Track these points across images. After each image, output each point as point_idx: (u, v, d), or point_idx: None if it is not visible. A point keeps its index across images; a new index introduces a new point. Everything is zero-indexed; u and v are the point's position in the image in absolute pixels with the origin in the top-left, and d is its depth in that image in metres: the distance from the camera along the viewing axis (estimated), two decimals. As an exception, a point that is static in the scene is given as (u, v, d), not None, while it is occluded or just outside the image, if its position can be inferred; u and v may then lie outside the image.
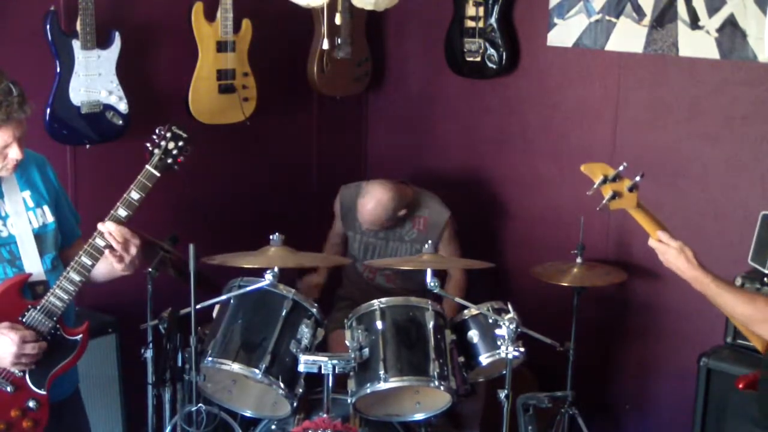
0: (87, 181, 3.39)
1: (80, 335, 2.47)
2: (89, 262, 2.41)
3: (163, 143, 2.52)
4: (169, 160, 2.54)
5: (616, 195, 2.22)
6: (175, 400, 2.92)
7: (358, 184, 3.73)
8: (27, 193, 2.45)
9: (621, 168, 2.21)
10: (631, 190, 2.22)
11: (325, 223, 3.92)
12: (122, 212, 2.46)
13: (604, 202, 2.22)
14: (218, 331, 2.97)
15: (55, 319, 2.38)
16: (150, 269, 2.99)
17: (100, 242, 2.43)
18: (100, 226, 2.44)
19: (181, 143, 2.52)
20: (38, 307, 2.37)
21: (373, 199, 3.54)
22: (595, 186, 2.21)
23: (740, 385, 2.83)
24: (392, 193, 3.55)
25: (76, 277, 2.40)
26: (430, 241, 3.25)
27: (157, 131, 2.53)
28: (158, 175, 2.53)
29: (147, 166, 2.53)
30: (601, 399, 3.90)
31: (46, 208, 2.47)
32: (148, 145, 2.53)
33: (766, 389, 2.36)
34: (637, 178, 2.21)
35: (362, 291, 3.65)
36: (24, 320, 2.36)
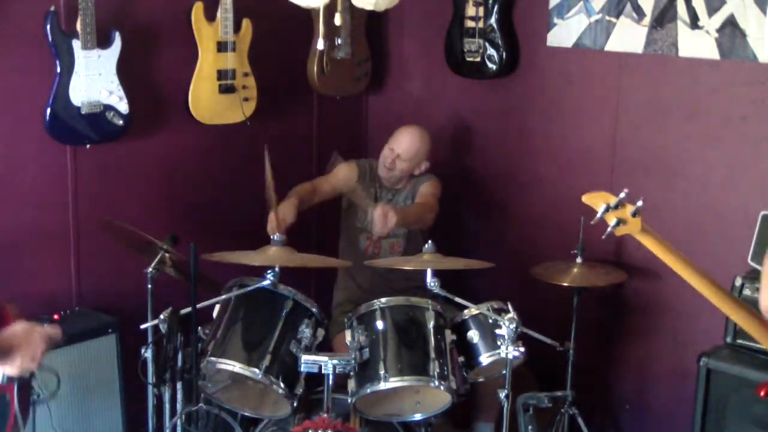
0: (87, 181, 3.39)
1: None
2: None
3: None
4: None
5: (620, 222, 2.25)
6: (175, 400, 2.93)
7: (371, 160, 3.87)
8: None
9: (622, 195, 2.25)
10: (634, 215, 2.25)
11: (325, 222, 3.92)
12: None
13: (608, 230, 2.26)
14: (218, 331, 2.98)
15: None
16: (150, 269, 2.99)
17: None
18: None
19: None
20: None
21: (415, 128, 3.75)
22: (598, 216, 2.26)
23: (762, 393, 2.81)
24: (428, 134, 3.77)
25: None
26: (430, 241, 3.25)
27: None
28: None
29: None
30: (601, 399, 3.90)
31: None
32: None
33: None
34: (639, 203, 2.25)
35: (363, 287, 3.66)
36: None
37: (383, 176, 3.74)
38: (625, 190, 2.25)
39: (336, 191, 3.79)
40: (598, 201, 2.25)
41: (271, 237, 3.12)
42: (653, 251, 2.31)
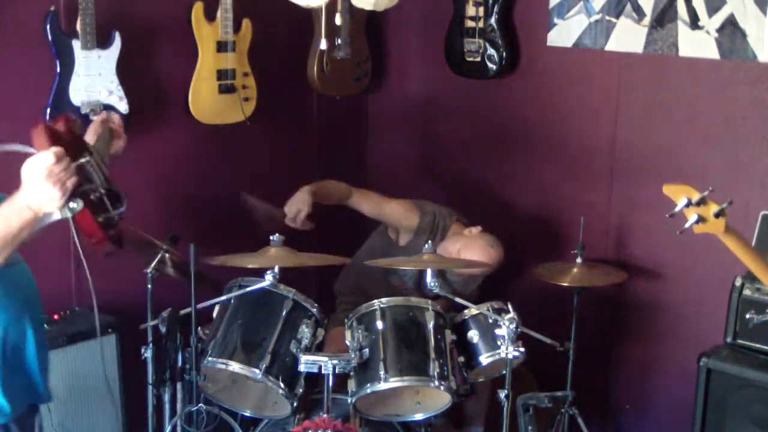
0: (87, 181, 3.38)
1: None
2: None
3: None
4: None
5: (700, 219, 2.14)
6: (175, 400, 2.93)
7: (453, 217, 3.59)
8: None
9: (706, 192, 2.13)
10: (717, 216, 2.13)
11: (325, 221, 3.91)
12: None
13: (687, 225, 2.13)
14: (218, 331, 2.98)
15: None
16: (150, 269, 2.99)
17: None
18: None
19: None
20: None
21: (493, 253, 3.42)
22: (677, 209, 2.14)
23: None
24: (502, 254, 3.46)
25: None
26: (430, 242, 3.24)
27: None
28: None
29: None
30: (601, 399, 3.90)
31: None
32: None
33: None
34: (725, 205, 2.13)
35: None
36: None
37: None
38: (710, 188, 2.14)
39: (377, 216, 3.60)
40: (678, 194, 2.13)
41: (271, 238, 3.12)
42: (735, 253, 2.21)
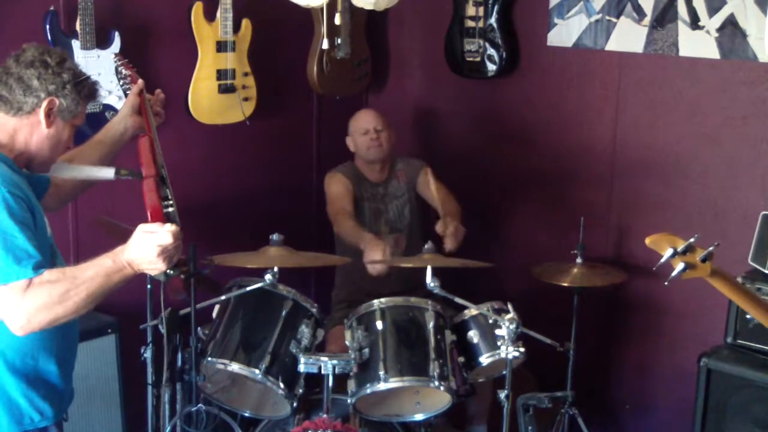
0: (87, 181, 3.38)
1: None
2: None
3: None
4: None
5: (687, 267, 2.12)
6: (175, 400, 2.92)
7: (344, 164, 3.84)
8: None
9: (692, 240, 2.11)
10: (704, 260, 2.11)
11: (325, 222, 3.92)
12: None
13: (674, 274, 2.13)
14: (218, 331, 2.98)
15: None
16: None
17: None
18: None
19: None
20: None
21: (362, 109, 3.89)
22: (663, 260, 2.12)
23: None
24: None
25: None
26: (429, 242, 3.24)
27: None
28: None
29: None
30: (601, 399, 3.90)
31: None
32: None
33: None
34: (711, 249, 2.11)
35: (363, 289, 3.64)
36: None
37: (375, 159, 3.71)
38: (696, 235, 2.12)
39: (352, 202, 3.72)
40: (663, 244, 2.12)
41: (271, 238, 3.12)
42: (725, 294, 2.21)
